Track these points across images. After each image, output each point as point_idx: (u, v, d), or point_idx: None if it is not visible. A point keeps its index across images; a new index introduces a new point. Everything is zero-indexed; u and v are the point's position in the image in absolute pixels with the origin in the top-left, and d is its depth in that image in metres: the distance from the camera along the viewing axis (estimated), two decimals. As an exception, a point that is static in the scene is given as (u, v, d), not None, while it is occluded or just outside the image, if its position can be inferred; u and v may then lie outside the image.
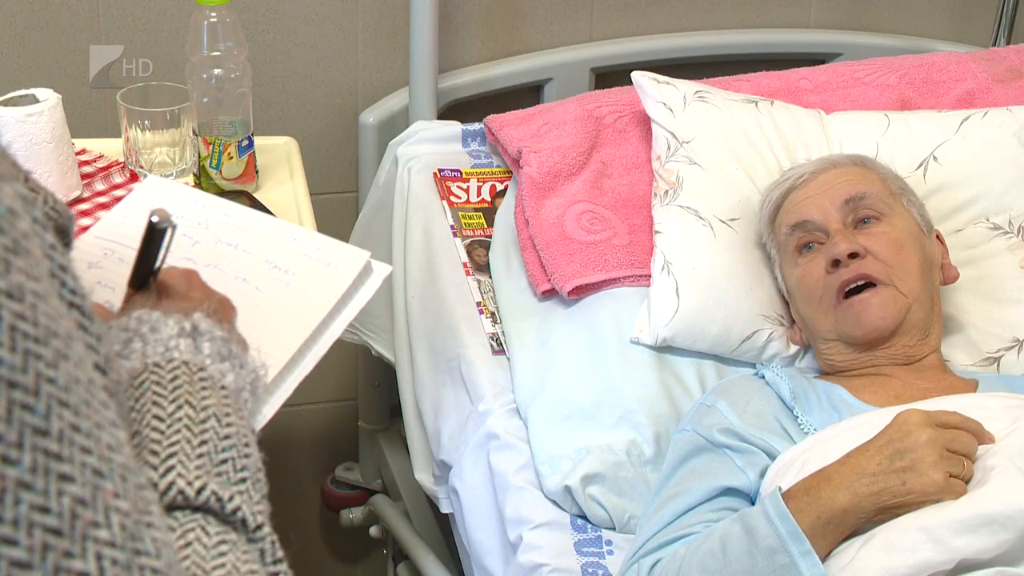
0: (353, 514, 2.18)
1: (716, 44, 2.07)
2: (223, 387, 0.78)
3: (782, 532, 1.18)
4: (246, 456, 0.74)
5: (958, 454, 1.20)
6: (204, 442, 0.72)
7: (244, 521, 0.69)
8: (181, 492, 0.68)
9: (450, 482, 1.58)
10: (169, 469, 0.69)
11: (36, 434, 0.51)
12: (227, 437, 0.73)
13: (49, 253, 0.61)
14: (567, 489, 1.44)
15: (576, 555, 1.40)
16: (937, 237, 1.55)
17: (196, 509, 0.68)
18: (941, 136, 1.72)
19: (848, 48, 2.10)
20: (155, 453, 0.70)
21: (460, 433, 1.58)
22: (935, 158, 1.70)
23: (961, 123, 1.74)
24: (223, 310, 0.85)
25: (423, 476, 1.69)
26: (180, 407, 0.73)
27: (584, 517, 1.45)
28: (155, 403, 0.73)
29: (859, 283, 1.43)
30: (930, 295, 1.47)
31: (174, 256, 1.02)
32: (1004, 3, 2.07)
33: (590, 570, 1.39)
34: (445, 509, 1.64)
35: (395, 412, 2.04)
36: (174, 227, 0.83)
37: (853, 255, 1.43)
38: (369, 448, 2.15)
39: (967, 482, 1.19)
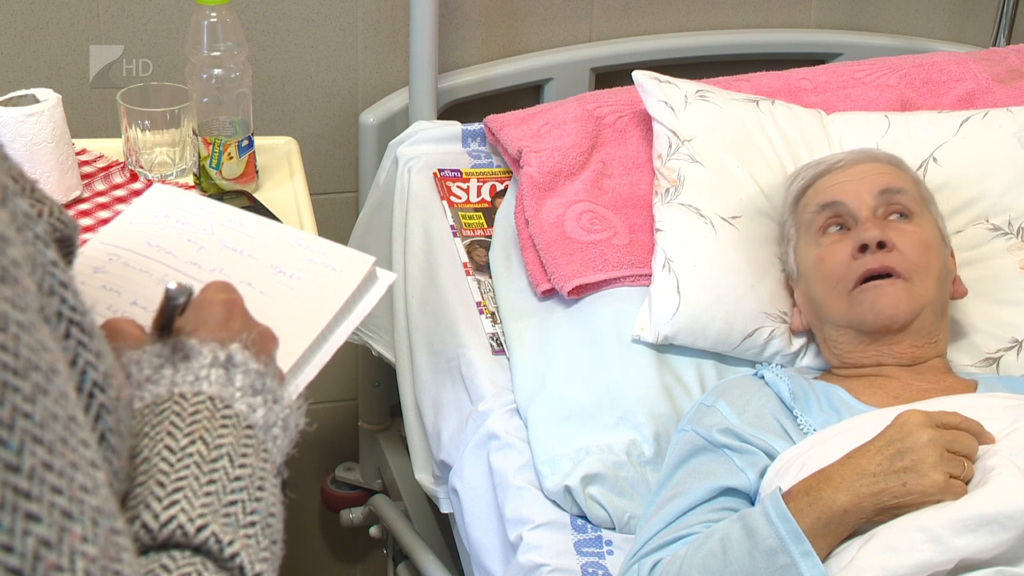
0: (353, 514, 2.18)
1: (716, 44, 2.07)
2: (248, 425, 0.76)
3: (782, 533, 1.19)
4: (257, 499, 0.72)
5: (958, 455, 1.20)
6: (212, 481, 0.70)
7: (242, 569, 0.67)
8: (181, 527, 0.66)
9: (450, 482, 1.58)
10: (173, 503, 0.67)
11: (6, 469, 0.50)
12: (238, 479, 0.71)
13: (50, 270, 0.60)
14: (567, 489, 1.44)
15: (576, 555, 1.40)
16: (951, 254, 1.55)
17: (196, 550, 0.66)
18: (941, 137, 1.72)
19: (848, 48, 2.10)
20: (161, 485, 0.68)
21: (460, 433, 1.58)
22: (935, 159, 1.70)
23: (961, 124, 1.74)
24: (262, 342, 0.83)
25: (423, 476, 1.69)
26: (193, 442, 0.71)
27: (584, 517, 1.45)
28: (169, 433, 0.72)
29: (881, 274, 1.43)
30: (942, 304, 1.47)
31: (180, 260, 1.02)
32: (1004, 3, 2.07)
33: (590, 570, 1.39)
34: (445, 509, 1.64)
35: (395, 412, 2.04)
36: (190, 295, 0.82)
37: (881, 244, 1.43)
38: (369, 448, 2.15)
39: (967, 483, 1.19)
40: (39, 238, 0.60)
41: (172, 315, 0.81)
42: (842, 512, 1.19)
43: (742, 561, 1.20)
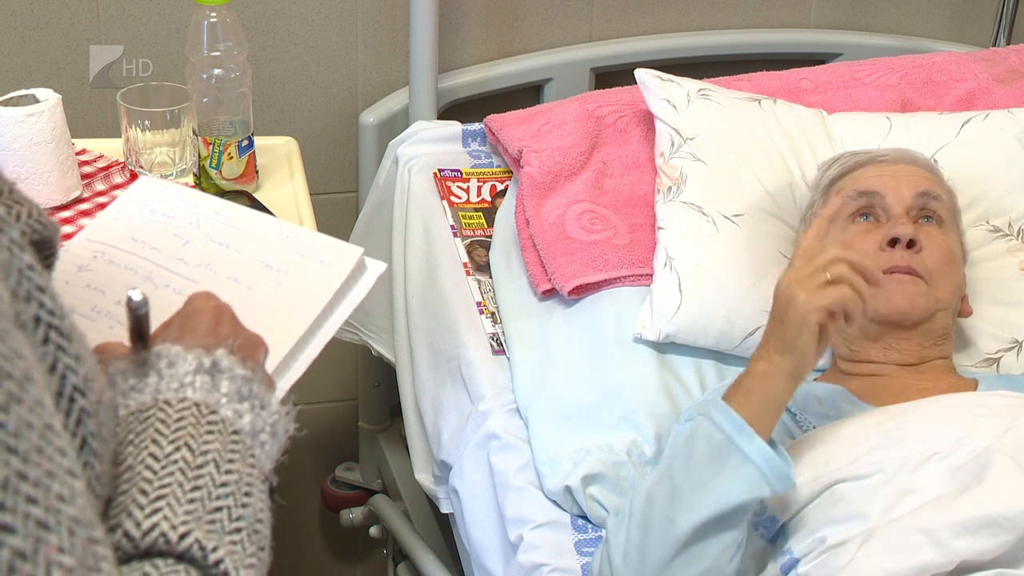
0: (353, 514, 2.18)
1: (716, 44, 2.07)
2: (235, 431, 0.75)
3: (715, 416, 1.22)
4: (244, 505, 0.71)
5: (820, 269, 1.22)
6: (197, 488, 0.69)
7: (227, 575, 0.66)
8: (163, 535, 0.65)
9: (450, 482, 1.58)
10: (156, 511, 0.66)
11: None
12: (224, 484, 0.70)
13: (26, 274, 0.60)
14: (567, 489, 1.44)
15: (576, 555, 1.40)
16: None
17: (179, 558, 0.65)
18: (942, 139, 1.73)
19: (848, 48, 2.10)
20: (144, 493, 0.67)
21: (460, 433, 1.58)
22: (936, 161, 1.70)
23: (962, 126, 1.74)
24: (249, 347, 0.82)
25: (423, 476, 1.69)
26: (178, 449, 0.71)
27: (584, 517, 1.45)
28: (154, 441, 0.71)
29: (904, 272, 1.44)
30: (953, 312, 1.48)
31: (165, 256, 1.02)
32: (1004, 3, 2.07)
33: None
34: (445, 509, 1.64)
35: (395, 412, 2.04)
36: (147, 305, 0.82)
37: (912, 243, 1.44)
38: (369, 448, 2.15)
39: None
40: (14, 242, 0.60)
41: (141, 325, 0.80)
42: (759, 375, 1.22)
43: (679, 457, 1.24)
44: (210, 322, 0.82)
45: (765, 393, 1.22)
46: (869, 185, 1.51)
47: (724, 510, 1.19)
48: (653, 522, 1.22)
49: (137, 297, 0.79)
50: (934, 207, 1.50)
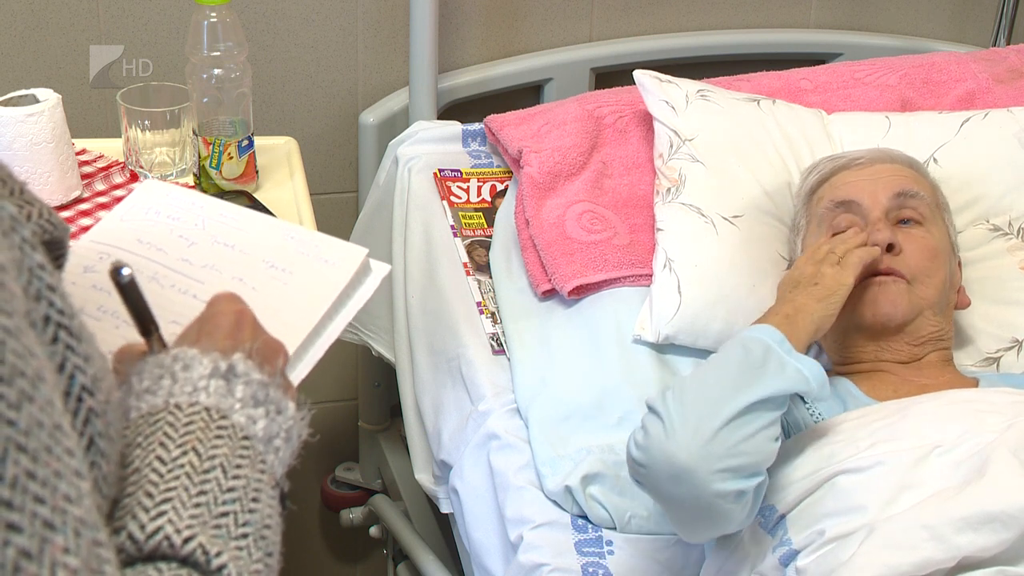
0: (353, 514, 2.18)
1: (716, 44, 2.07)
2: (245, 436, 0.75)
3: (751, 332, 1.28)
4: (251, 511, 0.71)
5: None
6: (203, 492, 0.69)
7: None
8: (167, 539, 0.65)
9: (450, 482, 1.58)
10: (161, 514, 0.66)
11: None
12: (231, 490, 0.70)
13: (37, 273, 0.60)
14: (568, 489, 1.44)
15: (576, 555, 1.41)
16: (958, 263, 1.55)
17: (182, 562, 0.65)
18: (942, 138, 1.72)
19: (848, 48, 2.10)
20: (150, 495, 0.67)
21: (460, 433, 1.58)
22: (935, 160, 1.70)
23: (962, 125, 1.74)
24: (267, 352, 0.81)
25: (423, 476, 1.69)
26: (185, 453, 0.70)
27: (585, 517, 1.45)
28: (162, 444, 0.71)
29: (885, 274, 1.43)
30: (944, 306, 1.47)
31: (171, 257, 1.02)
32: (1004, 3, 2.07)
33: (590, 570, 1.39)
34: (445, 509, 1.64)
35: (395, 412, 2.04)
36: (132, 274, 0.81)
37: (890, 247, 1.43)
38: (369, 448, 2.15)
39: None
40: (26, 241, 0.60)
41: (130, 295, 0.80)
42: (782, 311, 1.32)
43: (722, 364, 1.27)
44: (230, 326, 0.82)
45: (796, 321, 1.30)
46: (844, 194, 1.51)
47: (764, 398, 1.22)
48: (690, 407, 1.24)
49: (125, 272, 0.79)
50: (913, 205, 1.49)
